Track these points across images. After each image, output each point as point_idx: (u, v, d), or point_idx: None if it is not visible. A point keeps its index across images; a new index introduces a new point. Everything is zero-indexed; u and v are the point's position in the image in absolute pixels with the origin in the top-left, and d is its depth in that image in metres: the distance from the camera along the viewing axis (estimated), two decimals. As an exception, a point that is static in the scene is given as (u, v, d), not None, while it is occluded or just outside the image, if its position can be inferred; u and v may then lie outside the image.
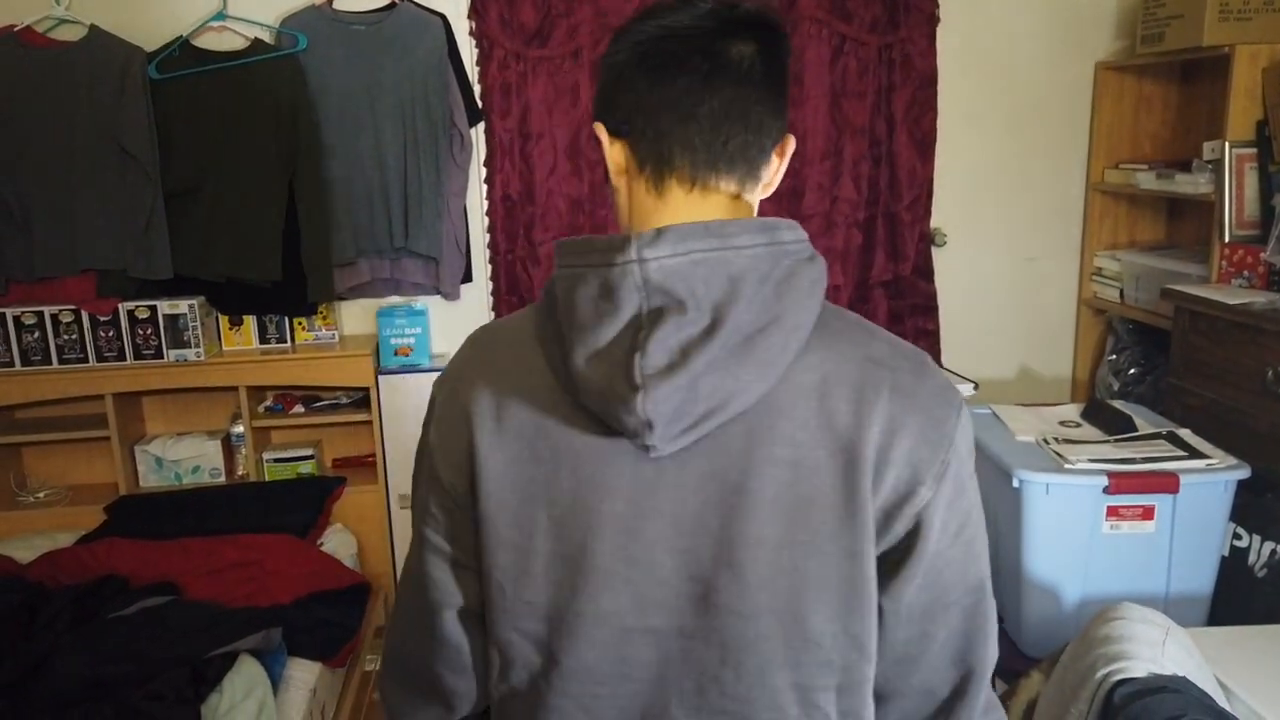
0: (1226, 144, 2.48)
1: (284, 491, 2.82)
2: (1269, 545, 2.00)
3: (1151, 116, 3.03)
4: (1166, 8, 2.65)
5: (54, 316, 2.67)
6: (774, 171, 0.87)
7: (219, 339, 2.85)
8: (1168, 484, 1.94)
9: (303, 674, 2.13)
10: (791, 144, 0.88)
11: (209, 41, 2.73)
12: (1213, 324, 2.32)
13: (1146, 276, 2.83)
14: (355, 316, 3.01)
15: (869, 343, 0.84)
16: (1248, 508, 2.03)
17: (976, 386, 2.27)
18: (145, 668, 1.83)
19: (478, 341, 0.92)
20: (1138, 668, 1.44)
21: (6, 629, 1.95)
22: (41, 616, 1.99)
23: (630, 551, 0.82)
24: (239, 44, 2.73)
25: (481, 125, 2.89)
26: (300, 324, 2.88)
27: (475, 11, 2.80)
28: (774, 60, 0.83)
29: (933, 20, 2.92)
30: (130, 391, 2.78)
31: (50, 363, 2.69)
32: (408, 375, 2.84)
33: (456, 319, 3.01)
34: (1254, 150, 2.47)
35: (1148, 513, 1.96)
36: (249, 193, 2.68)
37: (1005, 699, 1.74)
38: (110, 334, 2.70)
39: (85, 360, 2.70)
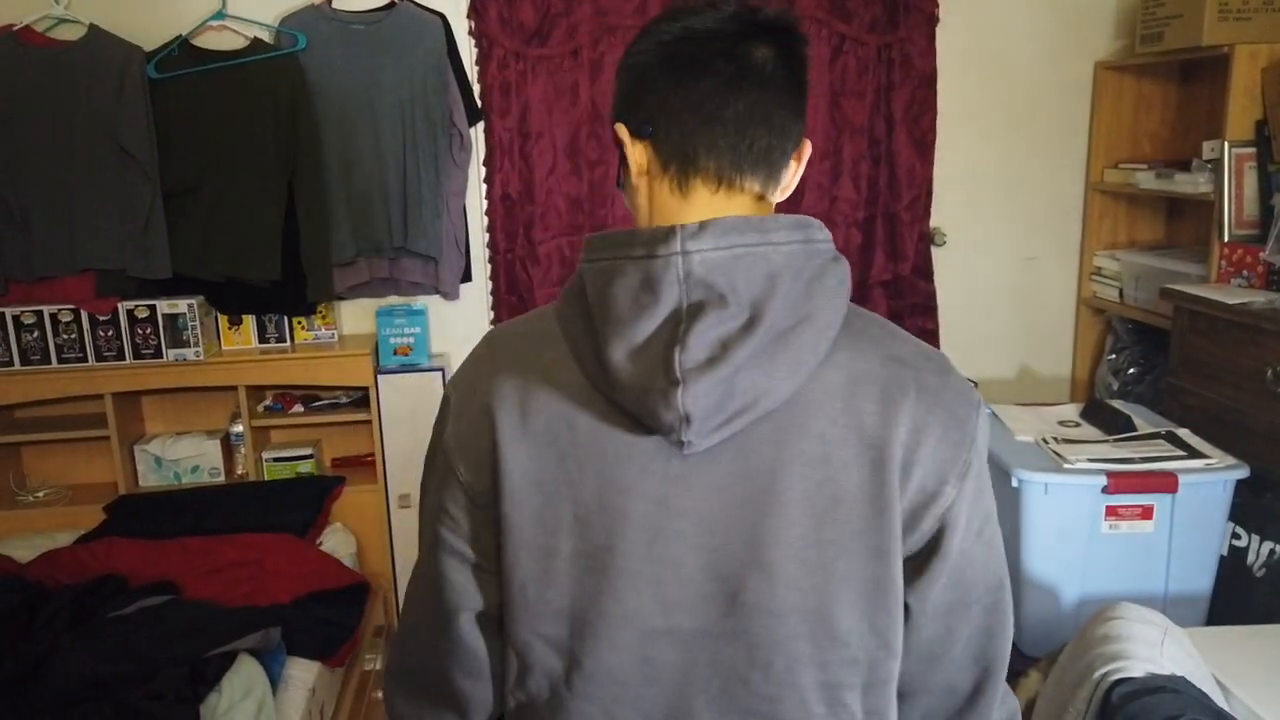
0: (1226, 143, 2.48)
1: (283, 491, 2.82)
2: (1268, 545, 2.00)
3: (1151, 116, 3.03)
4: (1166, 7, 2.65)
5: (53, 316, 2.67)
6: (792, 175, 0.88)
7: (218, 338, 2.85)
8: (1166, 484, 1.94)
9: (302, 673, 2.13)
10: (808, 149, 0.89)
11: (208, 41, 2.73)
12: (1212, 323, 2.32)
13: (1146, 276, 2.83)
14: (354, 316, 3.01)
15: (893, 343, 0.85)
16: (1246, 507, 2.04)
17: (976, 386, 2.27)
18: (144, 667, 1.83)
19: (497, 340, 0.91)
20: (1136, 667, 1.44)
21: (6, 628, 1.95)
22: (41, 616, 1.99)
23: (656, 551, 0.82)
24: (238, 43, 2.73)
25: (481, 125, 2.89)
26: (299, 323, 2.88)
27: (474, 11, 2.80)
28: (795, 65, 0.84)
29: (932, 20, 2.92)
30: (129, 391, 2.78)
31: (49, 362, 2.69)
32: (407, 375, 2.84)
33: (456, 318, 3.02)
34: (1253, 150, 2.47)
35: (1146, 512, 1.97)
36: (248, 192, 2.68)
37: (1004, 698, 1.74)
38: (109, 333, 2.70)
39: (84, 360, 2.70)
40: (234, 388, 2.79)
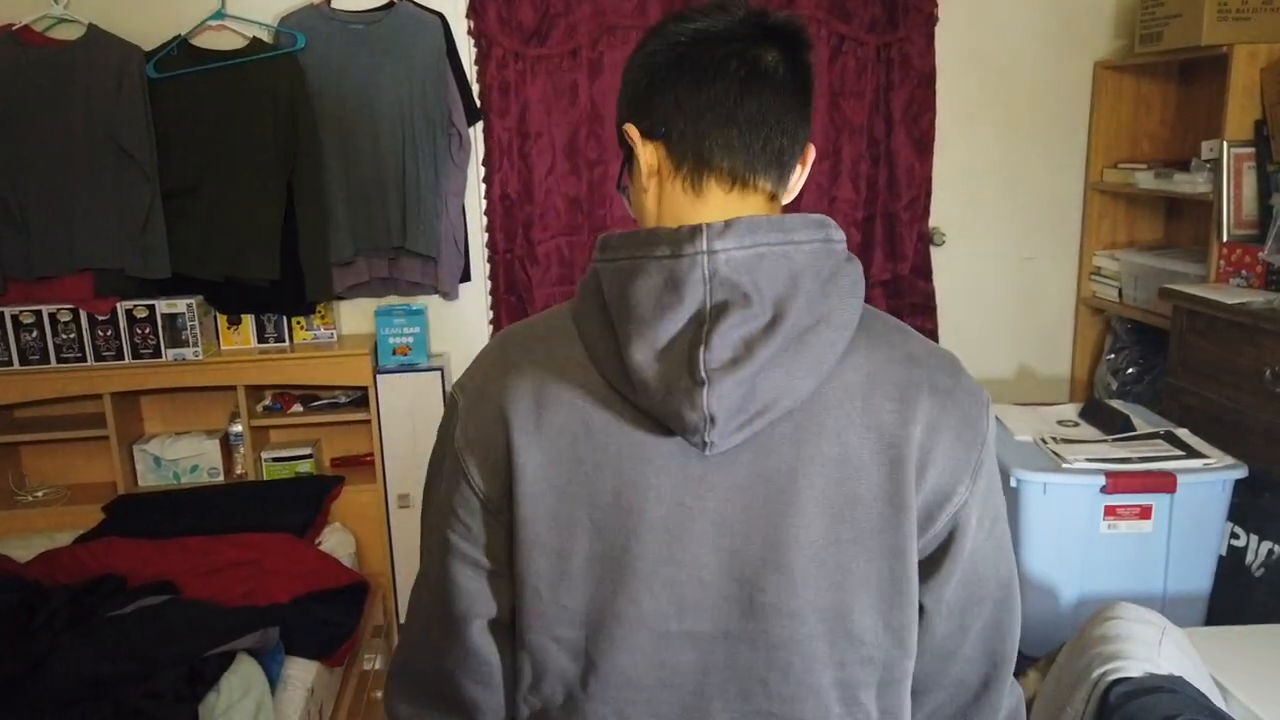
0: (1225, 143, 2.48)
1: (282, 491, 2.82)
2: (1266, 545, 2.01)
3: (1150, 116, 3.03)
4: (1165, 7, 2.65)
5: (52, 316, 2.67)
6: (797, 178, 0.89)
7: (217, 338, 2.85)
8: (1165, 483, 1.94)
9: (300, 673, 2.13)
10: (812, 153, 0.89)
11: (207, 40, 2.73)
12: (1211, 323, 2.32)
13: (1145, 276, 2.83)
14: (353, 316, 3.01)
15: (908, 343, 0.85)
16: (1245, 507, 2.04)
17: (975, 386, 2.27)
18: (143, 667, 1.83)
19: (508, 341, 0.89)
20: (1134, 667, 1.44)
21: (5, 628, 1.94)
22: (40, 615, 1.99)
23: (673, 553, 0.81)
24: (237, 43, 2.73)
25: (480, 124, 2.89)
26: (298, 323, 2.88)
27: (474, 10, 2.80)
28: (803, 68, 0.85)
29: (931, 20, 2.92)
30: (128, 391, 2.78)
31: (48, 362, 2.69)
32: (406, 374, 2.84)
33: (455, 318, 3.02)
34: (1252, 150, 2.47)
35: (1145, 512, 1.97)
36: (247, 192, 2.68)
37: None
38: (108, 333, 2.70)
39: (83, 359, 2.70)
40: (233, 387, 2.79)
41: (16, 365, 2.68)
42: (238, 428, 2.85)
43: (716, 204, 0.84)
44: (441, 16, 2.77)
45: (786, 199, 0.89)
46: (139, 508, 2.69)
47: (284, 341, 2.87)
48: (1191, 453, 2.03)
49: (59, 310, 2.67)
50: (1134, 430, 2.17)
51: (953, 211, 3.09)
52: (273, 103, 2.66)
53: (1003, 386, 3.21)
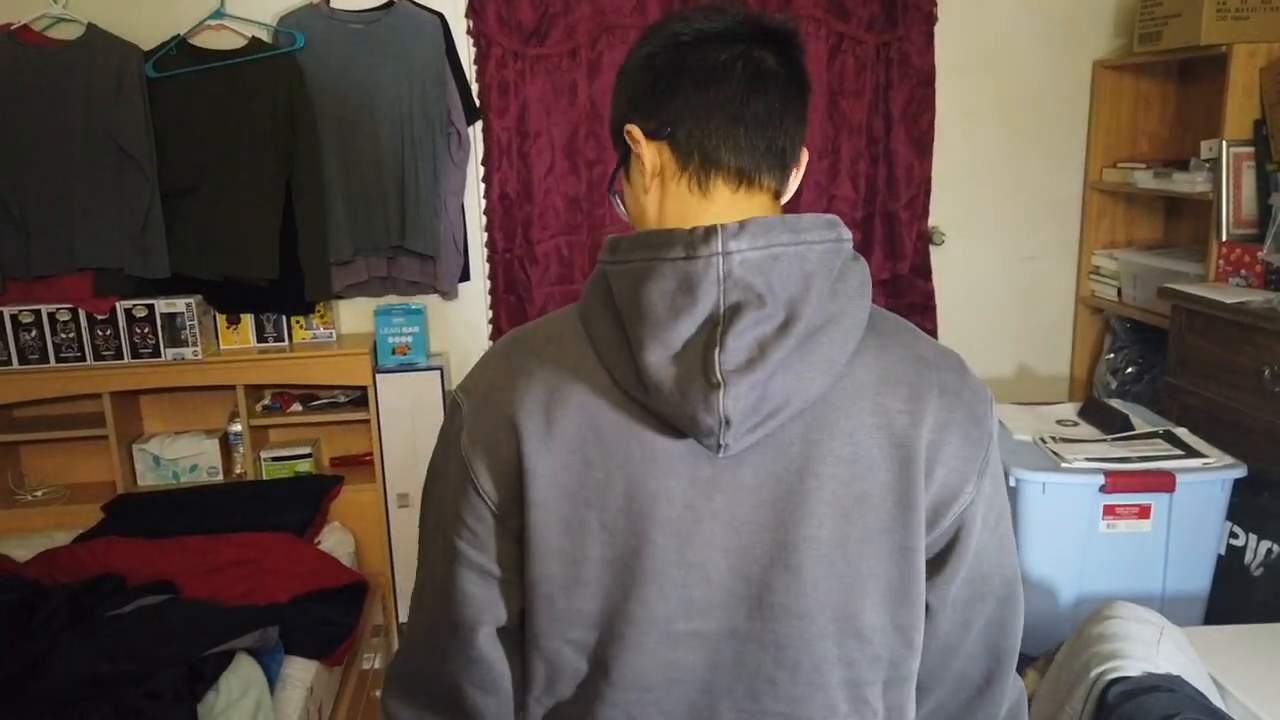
0: (1224, 143, 2.48)
1: (281, 490, 2.82)
2: (1265, 544, 2.01)
3: (1149, 115, 3.03)
4: (1164, 6, 2.65)
5: (51, 315, 2.67)
6: (794, 179, 0.89)
7: (216, 338, 2.85)
8: (1164, 483, 1.94)
9: (300, 672, 2.13)
10: (805, 157, 0.90)
11: (206, 40, 2.73)
12: (1210, 323, 2.32)
13: (1144, 275, 2.83)
14: (353, 315, 3.01)
15: (915, 343, 0.86)
16: (1244, 507, 2.04)
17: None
18: (142, 666, 1.83)
19: (515, 345, 0.88)
20: (1132, 667, 1.44)
21: (4, 627, 1.94)
22: (39, 615, 1.99)
23: (684, 555, 0.81)
24: (237, 43, 2.73)
25: (479, 124, 2.89)
26: (298, 322, 2.88)
27: (473, 10, 2.80)
28: (800, 70, 0.86)
29: (930, 19, 2.92)
30: (128, 390, 2.78)
31: (48, 361, 2.69)
32: (405, 374, 2.84)
33: (454, 318, 3.02)
34: (1251, 149, 2.47)
35: (1144, 511, 1.97)
36: (246, 191, 2.68)
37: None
38: (108, 333, 2.70)
39: (83, 359, 2.70)
40: (232, 387, 2.79)
41: (15, 365, 2.68)
42: (237, 427, 2.85)
43: (723, 203, 0.85)
44: (441, 16, 2.77)
45: (784, 199, 0.89)
46: (138, 507, 2.69)
47: (283, 341, 2.87)
48: (1190, 452, 2.03)
49: (58, 310, 2.67)
50: (1133, 430, 2.17)
51: (952, 211, 3.09)
52: (272, 102, 2.66)
53: (1002, 386, 3.21)
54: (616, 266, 0.81)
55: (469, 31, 2.83)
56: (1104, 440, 2.13)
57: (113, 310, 2.68)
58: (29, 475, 2.95)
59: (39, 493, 2.87)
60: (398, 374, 2.84)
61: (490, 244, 2.94)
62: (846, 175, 2.97)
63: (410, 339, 2.85)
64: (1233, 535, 2.06)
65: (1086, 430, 2.21)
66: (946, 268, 3.11)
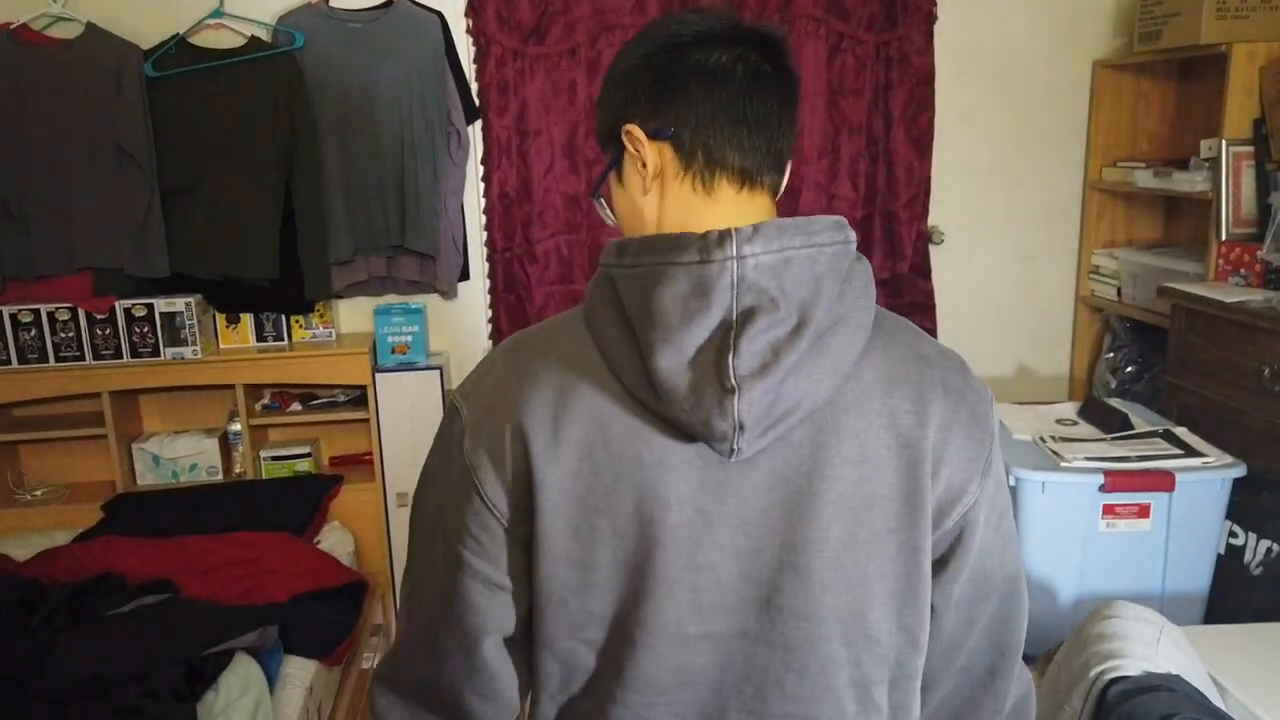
0: (1224, 142, 2.48)
1: (281, 489, 2.82)
2: (1265, 543, 2.01)
3: (1149, 114, 3.03)
4: (1164, 6, 2.65)
5: (51, 314, 2.67)
6: (785, 180, 0.90)
7: (216, 337, 2.85)
8: (1164, 482, 1.94)
9: (299, 672, 2.13)
10: (788, 162, 0.91)
11: (206, 39, 2.73)
12: (1209, 322, 2.32)
13: (1144, 274, 2.83)
14: (352, 314, 3.01)
15: (918, 342, 0.86)
16: (1244, 506, 2.04)
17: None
18: (142, 665, 1.83)
19: (519, 350, 0.87)
20: (1131, 666, 1.44)
21: (3, 627, 1.94)
22: (38, 614, 1.99)
23: (695, 558, 0.81)
24: (236, 42, 2.73)
25: (478, 123, 2.88)
26: (297, 322, 2.88)
27: (472, 9, 2.80)
28: (793, 76, 0.87)
29: (930, 18, 2.92)
30: (127, 389, 2.78)
31: (47, 361, 2.69)
32: (405, 373, 2.84)
33: (454, 317, 3.02)
34: (1251, 148, 2.47)
35: (1144, 511, 1.97)
36: (246, 191, 2.67)
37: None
38: (107, 332, 2.70)
39: (82, 358, 2.70)
40: (232, 386, 2.79)
41: (15, 364, 2.68)
42: (236, 426, 2.85)
43: (727, 203, 0.85)
44: (440, 15, 2.77)
45: (777, 199, 0.90)
46: (138, 506, 2.69)
47: (283, 340, 2.87)
48: (1190, 451, 2.03)
49: (58, 309, 2.67)
50: (1132, 429, 2.17)
51: (952, 210, 3.09)
52: (271, 101, 2.66)
53: (1002, 385, 3.21)
54: (625, 270, 0.80)
55: (468, 30, 2.83)
56: (1103, 439, 2.13)
57: (112, 310, 2.68)
58: (28, 475, 2.95)
59: (38, 492, 2.87)
60: (397, 373, 2.83)
61: (490, 243, 2.94)
62: (846, 175, 2.97)
63: (410, 338, 2.85)
64: (1232, 534, 2.06)
65: (1086, 429, 2.21)
66: (946, 267, 3.11)
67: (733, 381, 0.75)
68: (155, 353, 2.72)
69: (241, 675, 1.92)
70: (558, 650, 0.86)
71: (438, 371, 2.85)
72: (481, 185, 2.92)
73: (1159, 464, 1.97)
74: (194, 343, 2.72)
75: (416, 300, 2.94)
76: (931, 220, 3.07)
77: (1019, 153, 3.10)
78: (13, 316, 2.65)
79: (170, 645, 1.90)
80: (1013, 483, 1.96)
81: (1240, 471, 1.97)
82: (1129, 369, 2.98)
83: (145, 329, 2.70)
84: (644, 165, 0.86)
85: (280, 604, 2.23)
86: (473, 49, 2.84)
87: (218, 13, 2.71)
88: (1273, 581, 1.98)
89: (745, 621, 0.83)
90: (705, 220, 0.83)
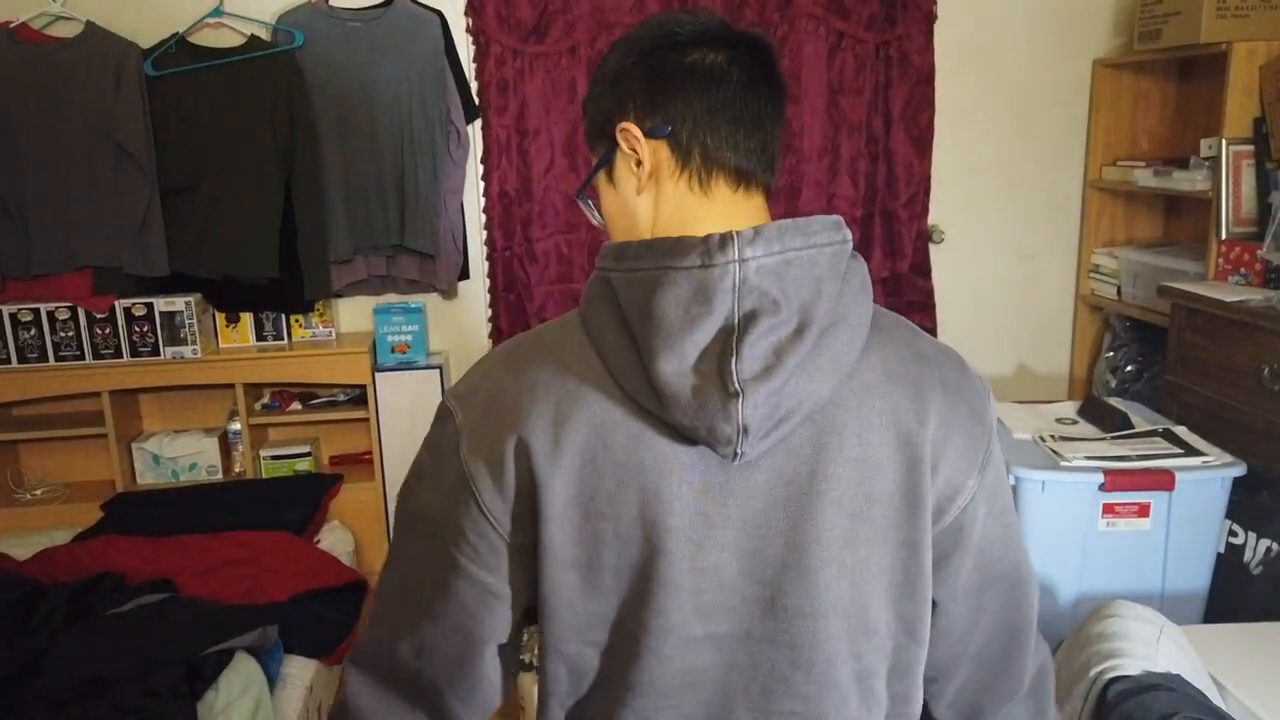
0: (1224, 141, 2.48)
1: (281, 489, 2.82)
2: (1265, 543, 2.01)
3: (1149, 113, 3.03)
4: (1164, 5, 2.65)
5: (50, 314, 2.67)
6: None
7: (215, 336, 2.85)
8: (1164, 481, 1.94)
9: (299, 671, 2.13)
10: (778, 165, 0.91)
11: (205, 38, 2.73)
12: (1209, 321, 2.32)
13: (1144, 274, 2.83)
14: (352, 313, 3.01)
15: (916, 340, 0.86)
16: (1244, 505, 2.04)
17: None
18: (142, 665, 1.83)
19: (514, 355, 0.86)
20: (1131, 665, 1.44)
21: (3, 626, 1.94)
22: (38, 613, 1.99)
23: (697, 561, 0.81)
24: (235, 41, 2.73)
25: (478, 122, 2.88)
26: (297, 321, 2.88)
27: (472, 8, 2.80)
28: (782, 80, 0.87)
29: (930, 17, 2.92)
30: (127, 389, 2.78)
31: (47, 360, 2.69)
32: (405, 372, 2.84)
33: (454, 316, 3.02)
34: (1251, 147, 2.47)
35: (1143, 510, 1.97)
36: (245, 190, 2.67)
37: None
38: (107, 331, 2.69)
39: (82, 358, 2.70)
40: (231, 385, 2.79)
41: (15, 363, 2.68)
42: (236, 426, 2.85)
43: (724, 202, 0.84)
44: (440, 14, 2.77)
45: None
46: (137, 506, 2.69)
47: (282, 339, 2.87)
48: (1190, 450, 2.03)
49: (57, 308, 2.67)
50: (1132, 428, 2.17)
51: (952, 209, 3.09)
52: (271, 100, 2.66)
53: (1001, 384, 3.21)
54: (624, 274, 0.80)
55: (468, 29, 2.82)
56: (1103, 439, 2.13)
57: (112, 309, 2.68)
58: (28, 474, 2.95)
59: (38, 491, 2.87)
60: (397, 372, 2.83)
61: (490, 242, 2.94)
62: (846, 174, 2.97)
63: (410, 337, 2.85)
64: (1232, 534, 2.06)
65: (1086, 429, 2.21)
66: (946, 266, 3.11)
67: (736, 385, 0.75)
68: (155, 352, 2.72)
69: (241, 675, 1.92)
70: (565, 655, 0.86)
71: (437, 371, 2.85)
72: (481, 184, 2.92)
73: (1159, 463, 1.97)
74: (194, 342, 2.72)
75: (416, 299, 2.94)
76: (931, 219, 3.07)
77: (1019, 152, 3.10)
78: (12, 316, 2.65)
79: (170, 645, 1.90)
80: (1013, 482, 1.96)
81: (1240, 471, 1.97)
82: (1129, 368, 2.98)
83: (145, 328, 2.70)
84: (639, 164, 0.85)
85: (280, 603, 2.23)
86: (472, 48, 2.84)
87: (217, 11, 2.71)
88: (1273, 581, 1.98)
89: (749, 622, 0.83)
90: (701, 220, 0.83)
